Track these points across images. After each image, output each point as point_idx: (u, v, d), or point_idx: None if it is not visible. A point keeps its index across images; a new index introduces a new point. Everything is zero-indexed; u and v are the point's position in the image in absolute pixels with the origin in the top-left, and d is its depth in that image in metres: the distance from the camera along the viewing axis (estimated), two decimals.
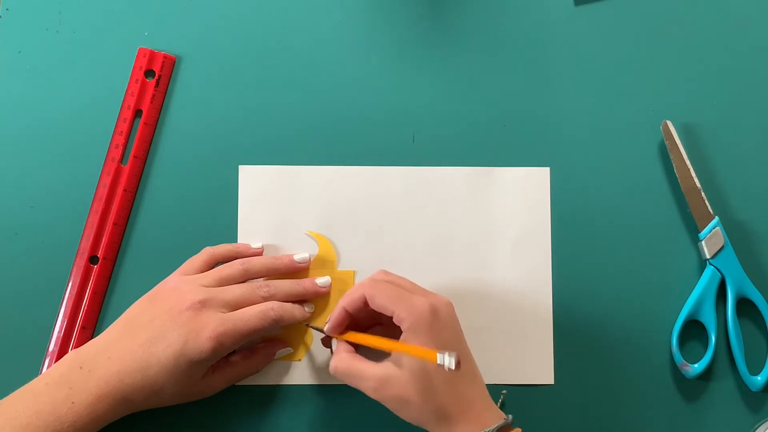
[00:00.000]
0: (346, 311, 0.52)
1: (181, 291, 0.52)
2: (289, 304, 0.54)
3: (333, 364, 0.52)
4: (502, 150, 0.59)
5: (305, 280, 0.56)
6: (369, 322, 0.54)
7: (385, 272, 0.53)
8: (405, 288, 0.51)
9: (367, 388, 0.50)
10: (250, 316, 0.52)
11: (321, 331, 0.55)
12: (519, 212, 0.59)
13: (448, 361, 0.44)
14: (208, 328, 0.50)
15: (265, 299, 0.54)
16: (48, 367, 0.56)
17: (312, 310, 0.57)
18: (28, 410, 0.48)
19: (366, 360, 0.51)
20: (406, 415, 0.49)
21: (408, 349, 0.48)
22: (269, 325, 0.53)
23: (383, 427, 0.56)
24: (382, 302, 0.50)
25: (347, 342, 0.53)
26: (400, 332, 0.50)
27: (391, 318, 0.50)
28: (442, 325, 0.49)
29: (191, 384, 0.52)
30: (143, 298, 0.53)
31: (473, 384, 0.50)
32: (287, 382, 0.57)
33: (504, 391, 0.53)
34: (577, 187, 0.59)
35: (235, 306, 0.52)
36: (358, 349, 0.53)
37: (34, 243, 0.57)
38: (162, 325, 0.51)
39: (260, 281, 0.55)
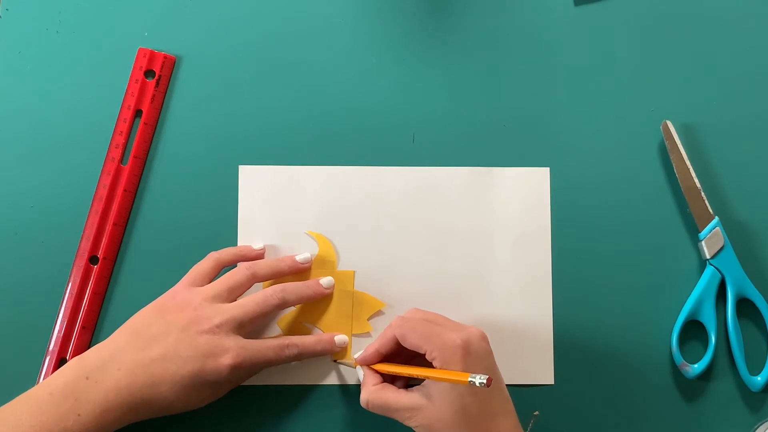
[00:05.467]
0: (379, 352, 0.53)
1: (196, 307, 0.52)
2: (307, 338, 0.55)
3: (363, 397, 0.52)
4: (502, 150, 0.59)
5: (311, 281, 0.56)
6: (407, 356, 0.54)
7: (417, 310, 0.53)
8: (437, 323, 0.51)
9: (399, 418, 0.50)
10: (267, 348, 0.52)
11: (350, 366, 0.56)
12: (519, 212, 0.59)
13: (479, 380, 0.44)
14: (228, 355, 0.51)
15: (278, 307, 0.54)
16: (48, 367, 0.56)
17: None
18: (32, 420, 0.48)
19: (396, 389, 0.51)
20: None
21: (439, 374, 0.48)
22: (284, 361, 0.54)
23: (383, 428, 0.56)
24: (413, 341, 0.50)
25: (374, 371, 0.53)
26: None
27: None
28: (474, 360, 0.49)
29: (201, 399, 0.52)
30: (151, 308, 0.53)
31: (505, 416, 0.49)
32: (287, 382, 0.57)
33: (536, 413, 0.53)
34: (577, 187, 0.59)
35: (251, 323, 0.53)
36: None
37: (34, 243, 0.57)
38: (177, 342, 0.50)
39: (268, 285, 0.55)
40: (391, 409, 0.50)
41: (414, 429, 0.50)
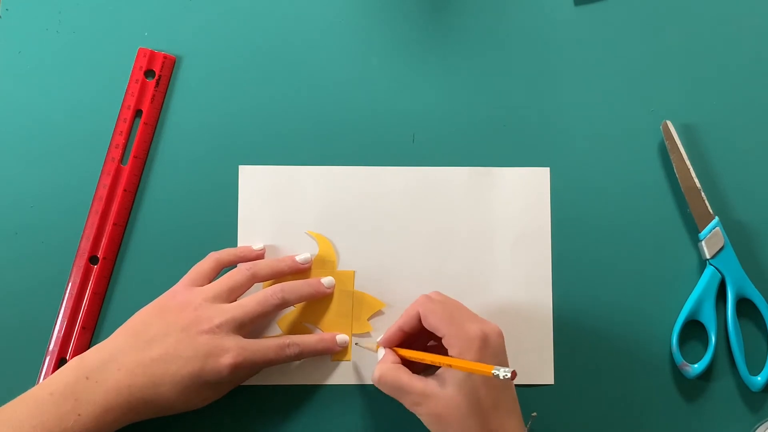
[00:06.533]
0: (402, 330, 0.53)
1: (196, 308, 0.52)
2: (309, 338, 0.55)
3: (377, 373, 0.51)
4: (502, 150, 0.59)
5: (312, 279, 0.56)
6: (424, 340, 0.54)
7: (440, 293, 0.53)
8: (458, 311, 0.51)
9: (408, 402, 0.50)
10: (268, 348, 0.52)
11: (371, 350, 0.56)
12: (519, 212, 0.59)
13: (503, 372, 0.44)
14: (228, 355, 0.51)
15: (279, 307, 0.54)
16: (48, 367, 0.56)
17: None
18: (33, 420, 0.48)
19: (410, 373, 0.51)
20: None
21: (462, 363, 0.47)
22: (285, 361, 0.54)
23: (384, 428, 0.56)
24: (434, 323, 0.50)
25: (394, 352, 0.53)
26: None
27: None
28: (490, 353, 0.49)
29: (201, 399, 0.52)
30: (151, 308, 0.53)
31: (512, 415, 0.50)
32: (288, 382, 0.57)
33: (534, 414, 0.53)
34: (577, 187, 0.59)
35: (251, 323, 0.53)
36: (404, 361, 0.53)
37: (34, 243, 0.57)
38: (177, 342, 0.50)
39: (268, 285, 0.56)
40: (403, 391, 0.50)
41: (421, 418, 0.49)
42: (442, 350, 0.50)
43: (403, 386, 0.50)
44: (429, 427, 0.49)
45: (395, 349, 0.53)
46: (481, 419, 0.48)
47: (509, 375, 0.43)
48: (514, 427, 0.49)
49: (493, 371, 0.44)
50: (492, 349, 0.49)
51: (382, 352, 0.54)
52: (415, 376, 0.50)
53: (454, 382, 0.48)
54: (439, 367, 0.50)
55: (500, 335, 0.50)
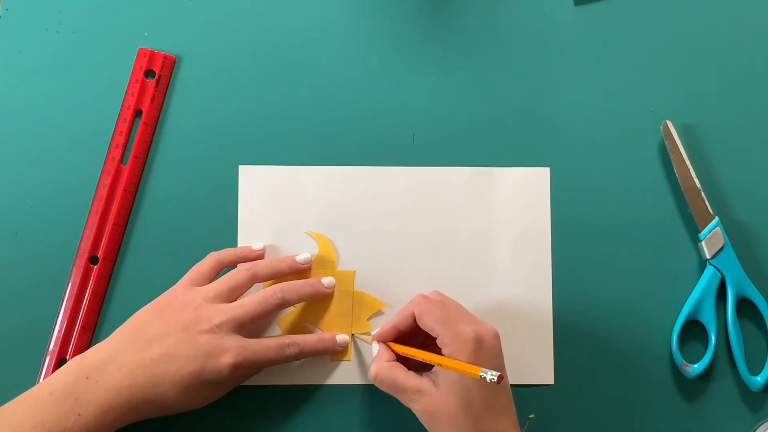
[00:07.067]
0: (397, 328, 0.53)
1: (196, 308, 0.52)
2: (309, 337, 0.55)
3: (373, 371, 0.52)
4: (502, 150, 0.59)
5: (313, 279, 0.56)
6: (421, 339, 0.54)
7: (438, 293, 0.54)
8: (454, 312, 0.51)
9: (404, 399, 0.50)
10: (268, 348, 0.52)
11: (366, 341, 0.56)
12: (519, 212, 0.59)
13: (490, 375, 0.44)
14: (228, 355, 0.51)
15: (279, 307, 0.54)
16: (48, 367, 0.56)
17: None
18: (33, 420, 0.48)
19: (406, 370, 0.51)
20: (435, 430, 0.49)
21: (451, 363, 0.48)
22: (285, 361, 0.54)
23: (383, 427, 0.56)
24: (428, 323, 0.50)
25: (388, 349, 0.53)
26: None
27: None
28: (484, 355, 0.49)
29: (202, 399, 0.52)
30: (151, 308, 0.53)
31: (506, 416, 0.50)
32: (288, 382, 0.57)
33: (531, 416, 0.53)
34: (577, 187, 0.59)
35: (251, 323, 0.53)
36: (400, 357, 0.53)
37: (34, 243, 0.57)
38: (177, 342, 0.50)
39: (268, 285, 0.56)
40: (399, 388, 0.50)
41: (416, 414, 0.50)
42: (439, 350, 0.50)
43: (398, 384, 0.50)
44: (423, 423, 0.50)
45: (389, 344, 0.54)
46: (472, 419, 0.48)
47: (495, 379, 0.44)
48: (507, 429, 0.49)
49: (480, 373, 0.44)
50: (486, 351, 0.49)
51: (376, 346, 0.54)
52: (411, 373, 0.51)
53: (447, 382, 0.49)
54: None
55: (496, 337, 0.50)
